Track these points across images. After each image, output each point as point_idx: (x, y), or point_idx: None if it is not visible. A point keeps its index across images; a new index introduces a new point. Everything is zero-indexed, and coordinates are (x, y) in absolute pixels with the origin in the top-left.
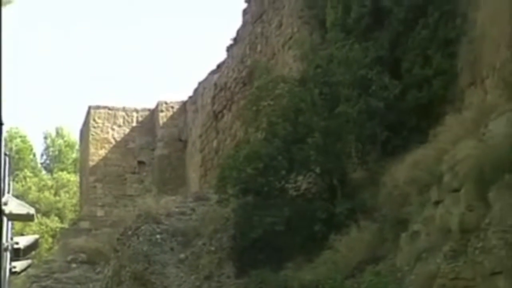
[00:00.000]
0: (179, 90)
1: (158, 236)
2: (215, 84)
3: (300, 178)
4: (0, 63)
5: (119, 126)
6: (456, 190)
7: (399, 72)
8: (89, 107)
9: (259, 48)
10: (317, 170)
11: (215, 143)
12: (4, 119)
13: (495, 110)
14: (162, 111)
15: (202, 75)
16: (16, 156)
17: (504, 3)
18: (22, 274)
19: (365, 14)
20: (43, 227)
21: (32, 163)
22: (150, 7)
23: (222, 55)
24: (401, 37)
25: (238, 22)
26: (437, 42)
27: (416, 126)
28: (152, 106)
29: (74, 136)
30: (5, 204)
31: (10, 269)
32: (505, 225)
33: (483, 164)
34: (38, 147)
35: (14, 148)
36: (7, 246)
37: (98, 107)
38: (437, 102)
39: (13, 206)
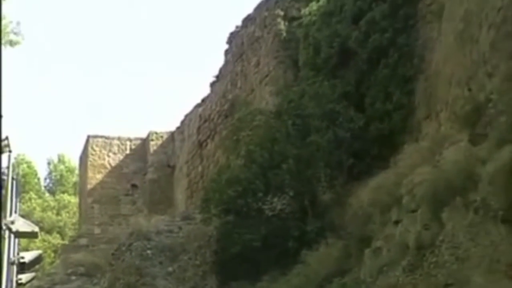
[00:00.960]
0: (168, 122)
1: (148, 251)
2: (200, 116)
3: (275, 200)
4: (0, 66)
5: (114, 153)
6: (414, 211)
7: (363, 106)
8: (88, 136)
9: (239, 84)
10: (291, 193)
11: (200, 169)
12: (12, 147)
13: (448, 140)
14: (152, 140)
15: (189, 108)
16: (23, 180)
17: (455, 46)
18: (27, 285)
19: (333, 54)
20: (46, 243)
21: (37, 186)
22: (146, 50)
23: (206, 90)
24: (365, 75)
25: (220, 61)
26: (396, 79)
27: (378, 154)
28: (143, 135)
29: (74, 162)
30: (13, 223)
31: (17, 281)
32: (456, 242)
33: (437, 188)
34: (42, 172)
35: (20, 173)
36: (14, 260)
37: (95, 136)
38: (397, 133)
39: (20, 224)
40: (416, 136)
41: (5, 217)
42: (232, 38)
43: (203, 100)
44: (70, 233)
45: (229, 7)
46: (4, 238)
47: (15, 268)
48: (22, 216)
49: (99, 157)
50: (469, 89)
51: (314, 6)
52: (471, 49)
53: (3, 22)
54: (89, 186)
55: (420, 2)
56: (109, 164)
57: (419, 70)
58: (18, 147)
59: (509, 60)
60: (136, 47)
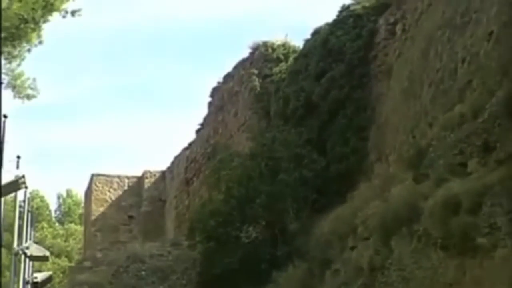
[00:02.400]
0: (160, 162)
1: (143, 272)
2: (187, 158)
3: (250, 228)
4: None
5: (114, 189)
6: (367, 238)
7: (325, 150)
8: (92, 175)
9: (220, 131)
10: (263, 223)
11: (186, 202)
12: (27, 184)
13: (395, 179)
14: (147, 178)
15: (177, 151)
16: (36, 212)
17: (401, 100)
18: None
19: (299, 106)
20: (55, 265)
21: (48, 217)
22: (144, 101)
23: (192, 136)
24: (326, 124)
25: (204, 111)
26: (353, 128)
27: (337, 190)
28: (139, 174)
29: (80, 196)
30: (28, 248)
31: None
32: (402, 265)
33: (386, 219)
34: (52, 205)
35: (34, 206)
36: (28, 280)
37: (98, 175)
38: (353, 173)
39: (33, 249)
40: (369, 176)
41: (21, 243)
42: (215, 92)
43: (190, 144)
44: (76, 257)
45: (211, 66)
46: (20, 261)
47: (29, 286)
48: (36, 242)
49: (101, 193)
50: (413, 136)
51: (283, 66)
52: (415, 103)
53: (22, 79)
54: (92, 217)
55: (372, 63)
56: (110, 198)
57: (371, 120)
58: (32, 184)
59: (446, 112)
60: (136, 100)
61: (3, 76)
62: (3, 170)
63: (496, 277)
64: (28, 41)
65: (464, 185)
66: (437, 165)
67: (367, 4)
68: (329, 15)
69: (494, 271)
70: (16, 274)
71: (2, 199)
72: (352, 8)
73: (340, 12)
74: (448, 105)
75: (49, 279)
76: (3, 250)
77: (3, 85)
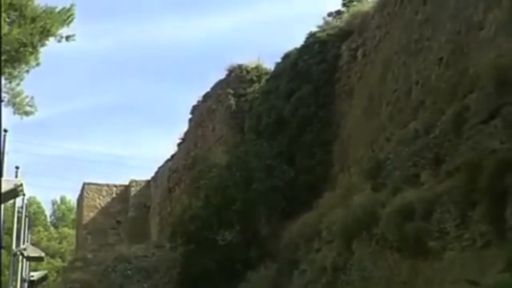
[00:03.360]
0: (145, 173)
1: (129, 271)
2: (170, 169)
3: (226, 233)
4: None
5: (104, 196)
6: (330, 242)
7: (294, 162)
8: (84, 184)
9: (199, 144)
10: (238, 227)
11: (169, 209)
12: (25, 192)
13: (356, 188)
14: (133, 186)
15: (161, 163)
16: (33, 217)
17: (362, 117)
18: None
19: (271, 122)
20: (50, 265)
21: (44, 222)
22: (132, 119)
23: (174, 149)
24: (295, 139)
25: (185, 127)
26: (319, 142)
27: (305, 199)
28: (126, 183)
29: (73, 203)
30: (25, 249)
31: None
32: (362, 265)
33: (348, 224)
34: (48, 211)
35: (31, 211)
36: (25, 279)
37: (89, 184)
38: (319, 183)
39: (30, 251)
40: (333, 185)
41: (19, 245)
42: (195, 109)
43: (172, 157)
44: (69, 257)
45: (192, 87)
46: (18, 261)
47: (26, 284)
48: (32, 244)
49: (92, 200)
50: (373, 150)
51: (256, 86)
52: (374, 120)
53: (21, 97)
54: (84, 222)
55: (336, 84)
56: (100, 205)
57: (335, 135)
58: (29, 192)
59: (401, 129)
60: (124, 116)
61: (3, 94)
62: (2, 179)
63: (445, 277)
64: (27, 63)
65: (417, 194)
66: (393, 176)
67: (331, 32)
68: (298, 41)
69: (443, 271)
70: (14, 273)
71: (2, 206)
72: (318, 35)
73: (308, 38)
74: (403, 122)
75: (44, 278)
76: (3, 251)
77: (3, 103)
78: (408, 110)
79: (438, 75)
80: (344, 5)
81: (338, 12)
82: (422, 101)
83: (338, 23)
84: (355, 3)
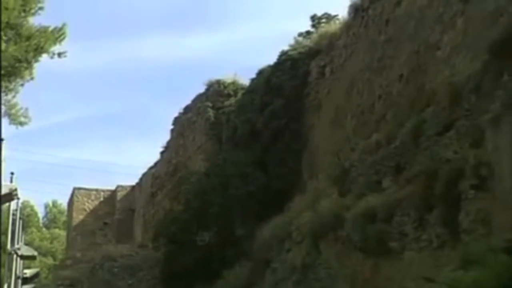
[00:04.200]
0: (131, 179)
1: (115, 269)
2: (153, 175)
3: (204, 234)
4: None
5: (92, 200)
6: (300, 242)
7: (267, 169)
8: (74, 188)
9: (180, 153)
10: (215, 229)
11: (152, 212)
12: (19, 195)
13: (324, 193)
14: (119, 191)
15: (145, 169)
16: (27, 219)
17: (329, 129)
18: None
19: (246, 133)
20: (42, 263)
21: (37, 223)
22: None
23: (157, 157)
24: (268, 148)
25: (167, 137)
26: (289, 151)
27: (276, 203)
28: (113, 188)
29: (63, 206)
30: (19, 249)
31: None
32: (329, 264)
33: (316, 226)
34: (40, 213)
35: (25, 214)
36: (19, 276)
37: (79, 188)
38: (290, 188)
39: (24, 250)
40: (302, 191)
41: (13, 245)
42: (176, 121)
43: (155, 164)
44: (60, 256)
45: (173, 100)
46: (13, 260)
47: (19, 281)
48: (26, 244)
49: (81, 203)
50: (339, 159)
51: (233, 100)
52: (340, 131)
53: (16, 108)
54: (74, 224)
55: (306, 99)
56: (88, 208)
57: (305, 145)
58: (24, 196)
59: (365, 139)
60: (112, 126)
61: (2, 107)
62: None
63: (404, 275)
64: (22, 77)
65: (379, 199)
66: (357, 182)
67: (302, 50)
68: (271, 59)
69: (403, 269)
70: (9, 270)
71: None
72: (289, 53)
73: (280, 56)
74: (367, 134)
75: (36, 275)
76: None
77: None
78: (371, 122)
79: (398, 91)
80: (313, 26)
81: (308, 33)
82: (384, 115)
83: (308, 42)
84: (323, 24)
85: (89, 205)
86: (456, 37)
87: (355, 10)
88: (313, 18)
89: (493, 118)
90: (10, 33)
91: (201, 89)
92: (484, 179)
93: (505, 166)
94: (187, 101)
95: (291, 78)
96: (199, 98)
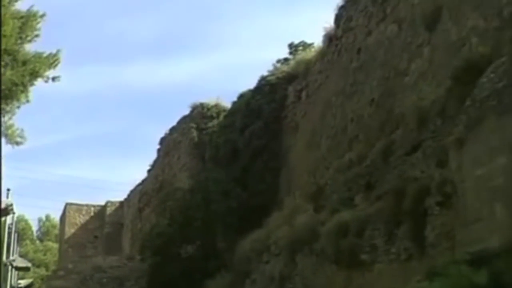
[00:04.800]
0: (120, 195)
1: (104, 280)
2: (140, 191)
3: (188, 247)
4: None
5: (83, 215)
6: (278, 255)
7: (247, 187)
8: (66, 204)
9: (166, 171)
10: (198, 242)
11: (139, 226)
12: (15, 210)
13: (300, 209)
14: (109, 206)
15: (133, 186)
16: (22, 232)
17: (305, 149)
18: None
19: (227, 153)
20: (36, 274)
21: (31, 236)
22: (110, 148)
23: (144, 175)
24: (248, 167)
25: (154, 156)
26: (268, 170)
27: (256, 218)
28: (103, 203)
29: (56, 220)
30: (14, 260)
31: None
32: (305, 275)
33: (293, 240)
34: (34, 227)
35: (20, 227)
36: (14, 286)
37: (71, 204)
38: (268, 204)
39: (18, 261)
40: (280, 207)
41: (9, 256)
42: (163, 141)
43: (143, 181)
44: (52, 267)
45: (160, 121)
46: (8, 270)
47: None
48: (21, 256)
49: (73, 218)
50: (314, 177)
51: (215, 121)
52: (315, 152)
53: (12, 129)
54: (66, 237)
55: (283, 121)
56: (80, 222)
57: (282, 164)
58: (19, 210)
59: (338, 159)
60: (103, 145)
61: None
62: None
63: (374, 285)
64: (18, 100)
65: (351, 214)
66: (331, 199)
67: (280, 76)
68: (251, 83)
69: (373, 280)
70: (4, 281)
71: None
72: (268, 78)
73: (260, 81)
74: (340, 154)
75: (30, 285)
76: None
77: None
78: (344, 143)
79: (369, 114)
80: (290, 53)
81: (286, 59)
82: (356, 136)
83: (286, 68)
84: (300, 51)
85: (80, 219)
86: (423, 65)
87: (329, 38)
88: (291, 46)
89: (456, 140)
90: (8, 58)
91: (186, 111)
92: (448, 196)
93: (467, 184)
94: (173, 122)
95: (269, 102)
96: (184, 120)
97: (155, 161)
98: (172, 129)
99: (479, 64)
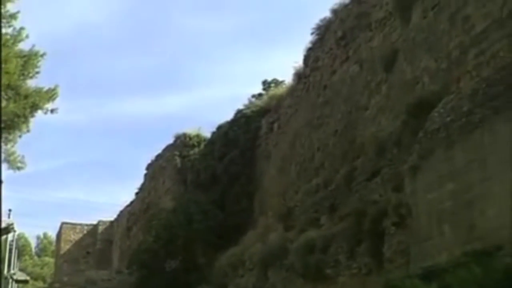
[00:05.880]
0: (110, 215)
1: None
2: (129, 212)
3: (172, 262)
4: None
5: (77, 233)
6: (252, 269)
7: (224, 208)
8: (62, 223)
9: (152, 193)
10: (181, 257)
11: (128, 243)
12: (15, 229)
13: (272, 228)
14: (100, 225)
15: (122, 207)
16: (22, 249)
17: (277, 175)
18: None
19: (207, 178)
20: (34, 287)
21: (30, 252)
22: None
23: (132, 197)
24: (226, 190)
25: (141, 180)
26: (244, 193)
27: (232, 236)
28: (95, 222)
29: (53, 238)
30: (14, 274)
31: None
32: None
33: (265, 256)
34: (33, 244)
35: (20, 244)
36: None
37: (66, 223)
38: (244, 224)
39: (18, 275)
40: (254, 226)
41: (10, 270)
42: (149, 167)
43: (131, 203)
44: (49, 280)
45: (147, 149)
46: (8, 283)
47: None
48: (20, 270)
49: (68, 235)
50: (284, 199)
51: (197, 149)
52: (286, 177)
53: (14, 156)
54: (61, 252)
55: (257, 149)
56: (74, 239)
57: (256, 188)
58: (19, 229)
59: (306, 184)
60: (95, 171)
61: (2, 154)
62: None
63: None
64: (20, 130)
65: (318, 233)
66: (300, 219)
67: (254, 109)
68: (229, 116)
69: None
70: None
71: None
72: (244, 111)
73: (236, 114)
74: (308, 179)
75: None
76: None
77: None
78: (311, 169)
79: (334, 144)
80: (264, 89)
81: (260, 95)
82: (322, 163)
83: (260, 102)
84: (272, 88)
85: (75, 237)
86: (381, 100)
87: (298, 77)
88: (264, 83)
89: (411, 168)
90: (11, 93)
91: (170, 140)
92: (403, 217)
93: (420, 207)
94: (158, 150)
95: (245, 132)
96: (168, 148)
97: (142, 185)
98: (158, 156)
99: (430, 100)
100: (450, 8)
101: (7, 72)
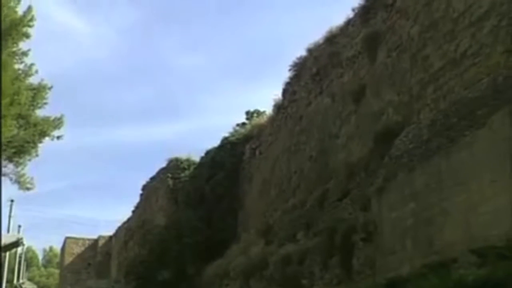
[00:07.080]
0: (109, 231)
1: None
2: (126, 228)
3: (164, 272)
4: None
5: (80, 246)
6: (235, 279)
7: (211, 224)
8: (66, 237)
9: (147, 211)
10: (173, 268)
11: (125, 255)
12: (25, 242)
13: (254, 243)
14: (101, 239)
15: (120, 224)
16: (30, 260)
17: (258, 195)
18: None
19: (196, 197)
20: None
21: (37, 264)
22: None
23: (129, 214)
24: (213, 209)
25: (137, 199)
26: (229, 211)
27: (219, 249)
28: (96, 237)
29: (57, 251)
30: (23, 283)
31: None
32: None
33: (247, 268)
34: (40, 256)
35: (29, 256)
36: None
37: (70, 237)
38: (229, 239)
39: (27, 284)
40: (238, 241)
41: (19, 280)
42: (144, 187)
43: (128, 219)
44: None
45: (143, 172)
46: None
47: None
48: (28, 279)
49: (71, 249)
50: (265, 217)
51: (187, 172)
52: (266, 197)
53: (24, 177)
54: (65, 264)
55: (241, 172)
56: (76, 252)
57: (240, 207)
58: (27, 242)
59: (284, 203)
60: (97, 192)
61: (12, 176)
62: (8, 234)
63: None
64: (29, 154)
65: (294, 247)
66: (279, 235)
67: (239, 137)
68: (216, 142)
69: None
70: None
71: (8, 253)
72: (230, 138)
73: (223, 140)
74: (286, 199)
75: None
76: (7, 285)
77: (11, 181)
78: (289, 191)
79: (309, 168)
80: (247, 119)
81: (243, 123)
82: (298, 185)
83: (243, 131)
84: (255, 117)
85: (77, 250)
86: (351, 129)
87: (278, 108)
88: (248, 113)
89: (377, 189)
90: (22, 121)
91: (164, 164)
92: (370, 233)
93: (385, 224)
94: (153, 172)
95: (230, 157)
96: (161, 171)
97: (138, 204)
98: (152, 178)
99: (394, 129)
100: (411, 49)
101: (18, 103)
